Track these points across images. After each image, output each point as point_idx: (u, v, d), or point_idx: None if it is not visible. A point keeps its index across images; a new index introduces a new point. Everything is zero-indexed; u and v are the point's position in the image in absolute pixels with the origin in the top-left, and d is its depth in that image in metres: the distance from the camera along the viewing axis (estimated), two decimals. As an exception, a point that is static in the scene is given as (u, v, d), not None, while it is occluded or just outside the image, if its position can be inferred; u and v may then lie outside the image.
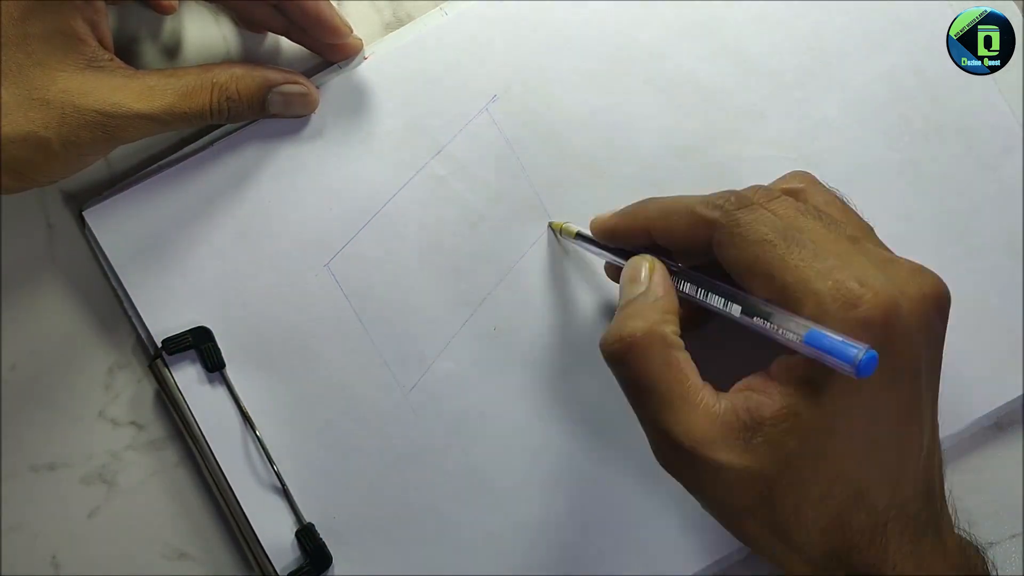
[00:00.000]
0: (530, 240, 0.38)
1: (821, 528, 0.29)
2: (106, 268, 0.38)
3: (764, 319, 0.28)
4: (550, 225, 0.38)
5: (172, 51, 0.39)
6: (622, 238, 0.34)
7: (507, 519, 0.38)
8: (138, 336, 0.38)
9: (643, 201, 0.34)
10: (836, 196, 0.32)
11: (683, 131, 0.38)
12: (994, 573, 0.33)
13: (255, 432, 0.38)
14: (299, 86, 0.37)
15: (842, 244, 0.29)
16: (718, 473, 0.29)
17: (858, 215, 0.32)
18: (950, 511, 0.32)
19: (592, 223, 0.35)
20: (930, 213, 0.38)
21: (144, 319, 0.38)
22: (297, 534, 0.38)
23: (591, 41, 0.38)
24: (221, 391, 0.38)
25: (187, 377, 0.38)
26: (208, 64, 0.36)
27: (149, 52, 0.39)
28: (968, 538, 0.33)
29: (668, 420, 0.29)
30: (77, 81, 0.33)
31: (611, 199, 0.38)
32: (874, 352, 0.26)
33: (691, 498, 0.31)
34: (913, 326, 0.28)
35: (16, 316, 0.39)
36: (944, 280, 0.30)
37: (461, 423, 0.38)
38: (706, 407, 0.29)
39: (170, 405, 0.38)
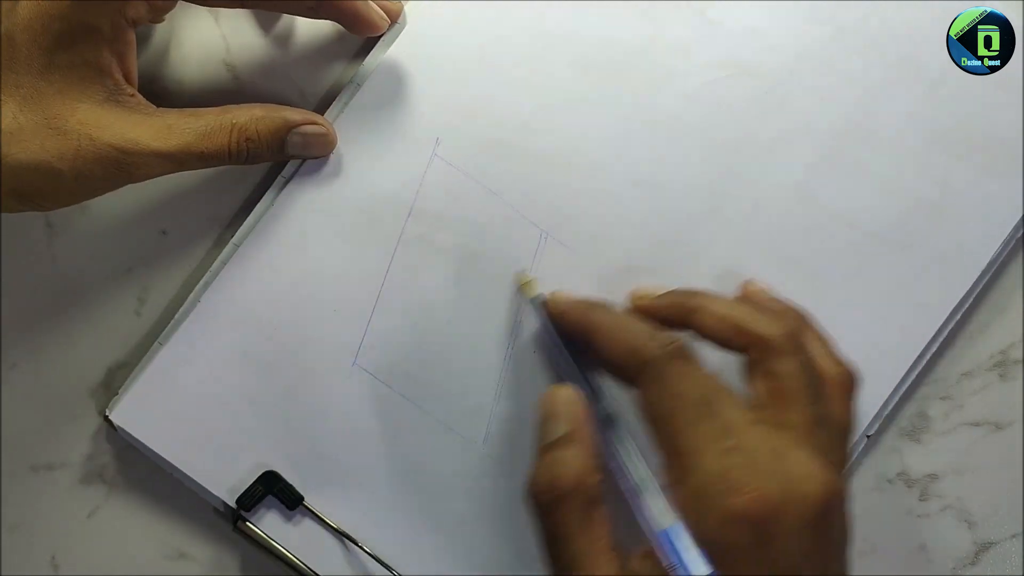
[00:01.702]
0: (531, 254, 0.38)
1: None
2: (152, 456, 0.38)
3: (636, 496, 0.30)
4: (515, 274, 0.38)
5: (170, 53, 0.39)
6: (566, 326, 0.35)
7: None
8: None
9: (599, 303, 0.34)
10: (807, 369, 0.31)
11: (636, 111, 0.38)
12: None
13: (360, 546, 0.38)
14: (319, 127, 0.36)
15: (753, 428, 0.29)
16: None
17: (810, 398, 0.31)
18: None
19: (550, 298, 0.36)
20: (929, 213, 0.38)
21: (209, 489, 0.38)
22: None
23: (509, 45, 0.38)
24: (308, 522, 0.38)
25: (272, 523, 0.38)
26: (228, 105, 0.36)
27: (147, 54, 0.39)
28: None
29: None
30: (96, 114, 0.33)
31: (584, 187, 0.38)
32: None
33: None
34: (792, 527, 0.28)
35: (16, 316, 0.39)
36: (830, 479, 0.29)
37: None
38: (610, 570, 0.29)
39: (269, 556, 0.38)
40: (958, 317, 0.39)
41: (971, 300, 0.39)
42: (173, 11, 0.36)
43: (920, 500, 0.40)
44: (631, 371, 0.31)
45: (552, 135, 0.38)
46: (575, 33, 0.38)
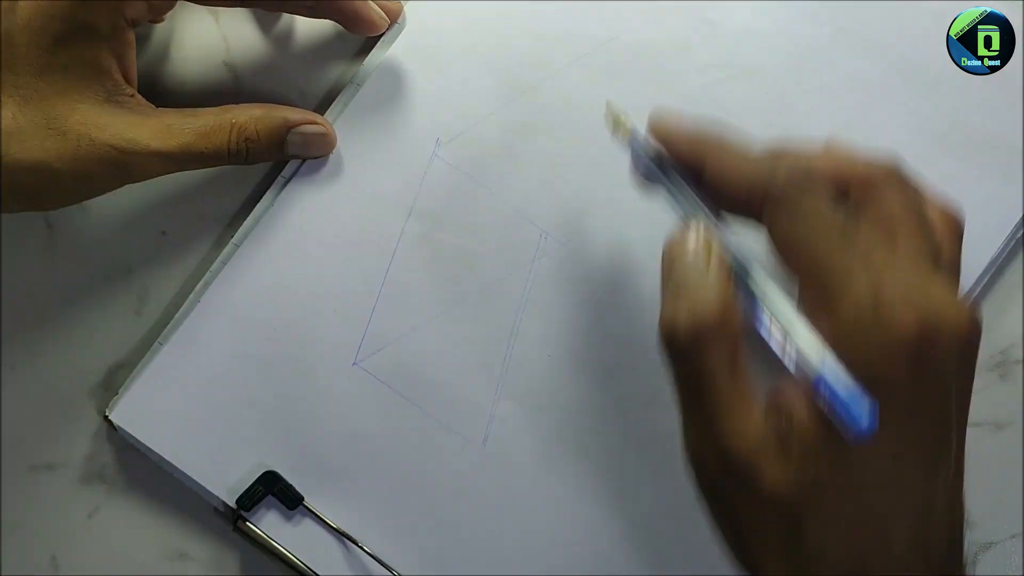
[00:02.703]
0: (531, 255, 0.38)
1: (843, 572, 0.27)
2: (152, 456, 0.38)
3: (787, 338, 0.27)
4: (608, 103, 0.34)
5: (170, 53, 0.39)
6: (675, 153, 0.31)
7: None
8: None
9: (711, 126, 0.31)
10: (913, 204, 0.29)
11: (636, 111, 0.38)
12: None
13: (360, 546, 0.38)
14: (318, 126, 0.36)
15: (891, 256, 0.27)
16: (754, 490, 0.26)
17: (927, 231, 0.29)
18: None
19: (651, 120, 0.32)
20: (930, 213, 0.38)
21: (210, 489, 0.38)
22: None
23: (509, 45, 0.38)
24: (308, 522, 0.38)
25: (272, 523, 0.38)
26: (227, 105, 0.36)
27: (147, 54, 0.39)
28: None
29: (722, 426, 0.27)
30: (95, 114, 0.33)
31: (584, 187, 0.38)
32: (874, 424, 0.25)
33: None
34: (947, 356, 0.26)
35: (16, 316, 0.39)
36: (971, 309, 0.27)
37: (546, 454, 0.38)
38: (760, 412, 0.27)
39: (269, 556, 0.38)
40: (958, 317, 0.39)
41: (971, 300, 0.39)
42: (173, 11, 0.37)
43: (920, 500, 0.40)
44: (755, 203, 0.28)
45: (552, 136, 0.38)
46: (575, 33, 0.38)
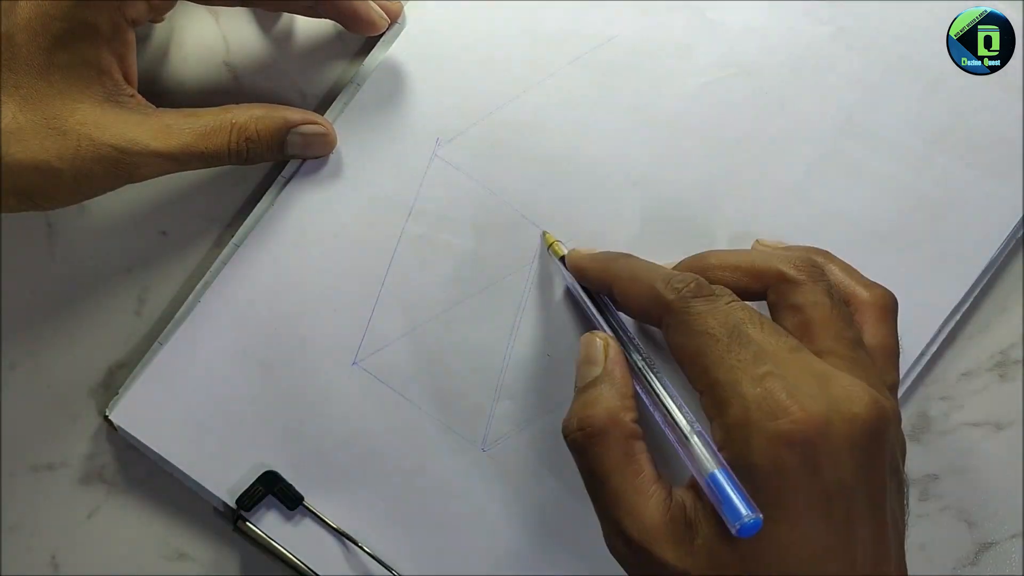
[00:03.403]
0: (531, 255, 0.38)
1: None
2: (152, 456, 0.38)
3: (683, 443, 0.29)
4: (543, 234, 0.38)
5: (170, 53, 0.39)
6: (588, 282, 0.35)
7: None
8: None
9: (617, 255, 0.34)
10: (829, 297, 0.31)
11: (636, 111, 0.38)
12: None
13: (360, 546, 0.38)
14: (318, 126, 0.36)
15: (790, 355, 0.29)
16: (663, 571, 0.28)
17: (842, 323, 0.31)
18: None
19: (568, 255, 0.36)
20: (929, 213, 0.38)
21: (210, 489, 0.38)
22: None
23: (509, 45, 0.38)
24: (308, 522, 0.38)
25: (272, 523, 0.38)
26: (228, 105, 0.36)
27: (147, 54, 0.39)
28: None
29: (619, 512, 0.29)
30: (95, 114, 0.33)
31: (584, 187, 0.38)
32: (758, 520, 0.26)
33: None
34: (841, 448, 0.27)
35: (16, 316, 0.39)
36: (877, 399, 0.28)
37: (545, 454, 0.38)
38: (657, 502, 0.29)
39: (269, 556, 0.38)
40: (958, 317, 0.39)
41: (971, 300, 0.39)
42: (173, 11, 0.37)
43: (920, 500, 0.40)
44: (654, 319, 0.31)
45: (552, 135, 0.38)
46: (575, 33, 0.38)
